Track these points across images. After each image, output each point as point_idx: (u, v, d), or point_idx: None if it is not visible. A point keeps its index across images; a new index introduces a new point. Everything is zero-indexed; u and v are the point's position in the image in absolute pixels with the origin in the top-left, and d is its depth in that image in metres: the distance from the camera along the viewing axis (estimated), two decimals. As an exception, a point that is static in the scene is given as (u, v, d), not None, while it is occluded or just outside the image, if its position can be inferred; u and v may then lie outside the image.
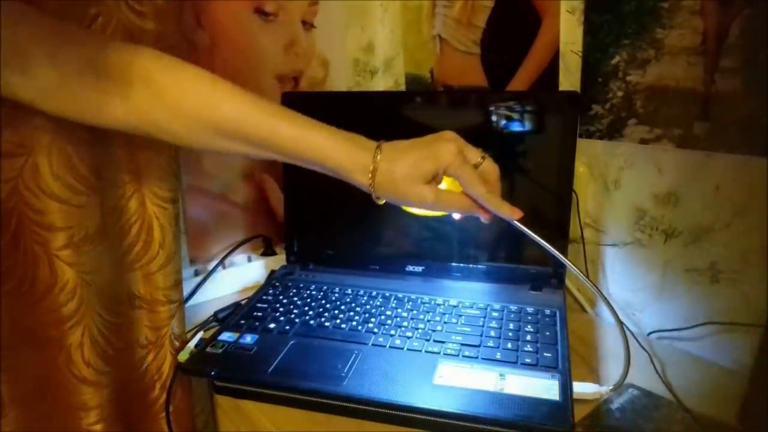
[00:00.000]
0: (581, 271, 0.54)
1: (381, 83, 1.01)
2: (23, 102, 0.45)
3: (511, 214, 0.52)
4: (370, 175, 0.50)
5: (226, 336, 0.63)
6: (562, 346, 0.59)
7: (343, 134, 0.51)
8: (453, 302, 0.68)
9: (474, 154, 0.52)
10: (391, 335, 0.62)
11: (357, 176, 0.51)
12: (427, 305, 0.68)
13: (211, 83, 0.50)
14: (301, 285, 0.74)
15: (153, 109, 0.48)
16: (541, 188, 0.70)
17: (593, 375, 0.61)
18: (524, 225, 0.53)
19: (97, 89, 0.46)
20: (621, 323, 0.54)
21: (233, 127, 0.50)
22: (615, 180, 0.70)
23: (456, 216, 0.57)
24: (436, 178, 0.51)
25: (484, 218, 0.53)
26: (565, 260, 0.56)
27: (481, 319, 0.65)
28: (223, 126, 0.50)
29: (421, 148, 0.51)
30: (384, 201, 0.53)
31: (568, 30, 0.71)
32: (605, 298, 0.54)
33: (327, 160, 0.51)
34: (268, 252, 0.90)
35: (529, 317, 0.65)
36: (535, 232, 0.54)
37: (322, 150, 0.50)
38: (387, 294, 0.71)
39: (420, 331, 0.63)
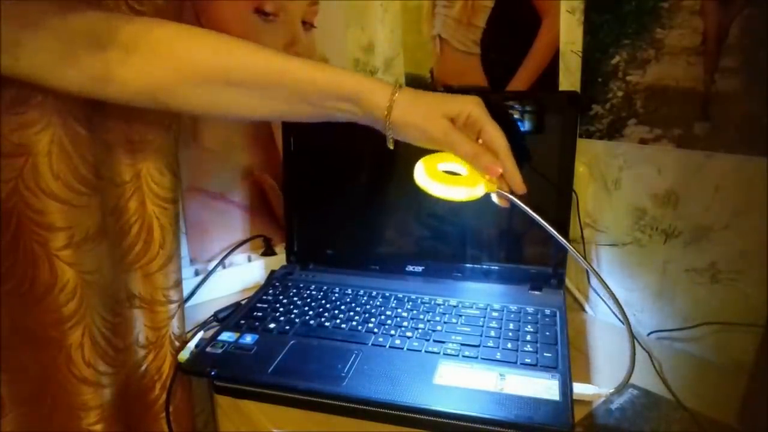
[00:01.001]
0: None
1: (381, 83, 1.01)
2: (27, 78, 0.45)
3: (522, 185, 0.53)
4: (390, 98, 0.50)
5: (226, 336, 0.63)
6: (562, 346, 0.59)
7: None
8: (453, 302, 0.68)
9: None
10: (391, 335, 0.62)
11: (375, 99, 0.50)
12: (427, 305, 0.68)
13: (216, 35, 0.50)
14: (301, 285, 0.74)
15: (161, 72, 0.48)
16: (541, 188, 0.70)
17: (593, 375, 0.61)
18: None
19: (103, 59, 0.46)
20: (626, 318, 0.54)
21: (244, 71, 0.50)
22: (615, 180, 0.70)
23: (499, 201, 0.56)
24: (455, 121, 0.51)
25: (491, 173, 0.52)
26: (567, 244, 0.55)
27: (481, 319, 0.65)
28: (234, 73, 0.50)
29: (446, 94, 0.52)
30: (393, 142, 0.52)
31: (568, 30, 0.71)
32: (607, 286, 0.54)
33: (343, 84, 0.50)
34: (268, 252, 0.90)
35: (529, 317, 0.65)
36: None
37: (338, 76, 0.50)
38: (387, 294, 0.71)
39: (420, 331, 0.63)
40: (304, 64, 0.51)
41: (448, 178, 0.55)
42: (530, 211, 0.54)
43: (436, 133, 0.51)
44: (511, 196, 0.54)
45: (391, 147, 0.52)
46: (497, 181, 0.54)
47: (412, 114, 0.50)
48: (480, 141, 0.53)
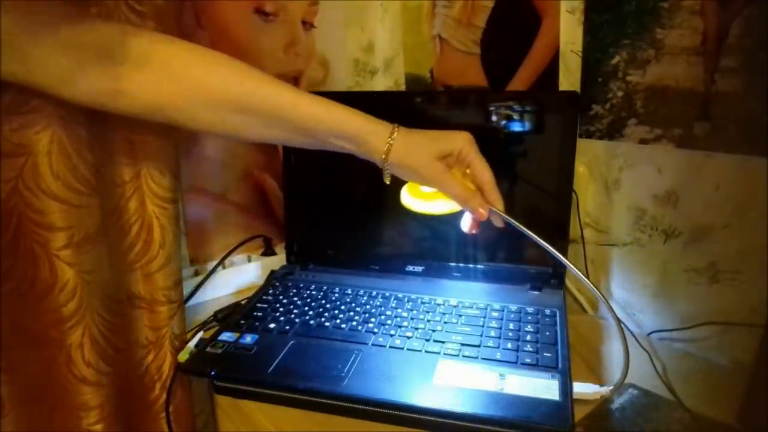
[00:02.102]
0: (581, 272, 0.54)
1: (381, 83, 1.01)
2: (38, 88, 0.46)
3: (499, 219, 0.56)
4: (388, 141, 0.53)
5: (226, 336, 0.63)
6: (562, 346, 0.59)
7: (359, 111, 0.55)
8: (453, 302, 0.68)
9: None
10: (391, 335, 0.62)
11: (374, 142, 0.53)
12: (427, 305, 0.68)
13: (229, 61, 0.52)
14: (301, 285, 0.74)
15: (171, 89, 0.49)
16: (541, 188, 0.70)
17: (593, 375, 0.61)
18: (523, 224, 0.54)
19: (114, 74, 0.47)
20: (618, 321, 0.54)
21: (252, 101, 0.51)
22: (615, 180, 0.70)
23: (464, 226, 0.60)
24: (447, 159, 0.54)
25: (478, 215, 0.56)
26: (564, 259, 0.56)
27: (481, 319, 0.65)
28: (243, 100, 0.51)
29: (437, 132, 0.55)
30: (390, 177, 0.55)
31: (568, 30, 0.71)
32: (602, 296, 0.54)
33: (345, 125, 0.53)
34: (268, 252, 0.90)
35: (529, 317, 0.65)
36: (535, 232, 0.54)
37: (341, 116, 0.53)
38: (387, 294, 0.71)
39: (420, 331, 0.63)
40: (311, 102, 0.53)
41: (428, 195, 0.60)
42: (516, 222, 0.56)
43: (429, 175, 0.54)
44: (497, 210, 0.56)
45: (388, 182, 0.55)
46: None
47: (407, 157, 0.53)
48: (468, 172, 0.57)
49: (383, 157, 0.53)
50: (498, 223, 0.57)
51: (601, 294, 0.54)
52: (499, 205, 0.56)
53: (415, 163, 0.54)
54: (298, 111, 0.52)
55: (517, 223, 0.56)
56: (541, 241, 0.55)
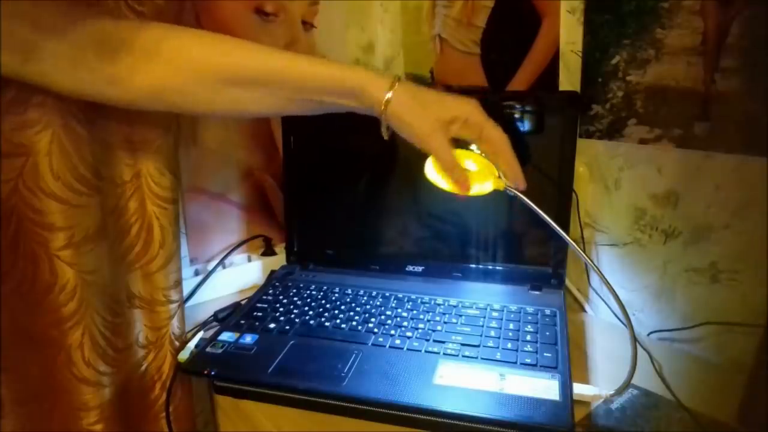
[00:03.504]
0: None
1: (381, 83, 1.01)
2: (40, 82, 0.46)
3: (523, 181, 0.54)
4: (388, 90, 0.51)
5: (226, 336, 0.63)
6: (562, 346, 0.59)
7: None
8: (453, 302, 0.68)
9: None
10: (391, 335, 0.62)
11: (374, 92, 0.51)
12: (427, 305, 0.68)
13: (214, 36, 0.52)
14: (301, 285, 0.74)
15: (169, 74, 0.49)
16: (542, 188, 0.70)
17: (593, 375, 0.61)
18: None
19: (112, 63, 0.47)
20: (629, 319, 0.54)
21: (245, 70, 0.51)
22: (615, 180, 0.70)
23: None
24: (452, 126, 0.52)
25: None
26: (574, 245, 0.56)
27: (481, 319, 0.65)
28: (234, 71, 0.51)
29: (446, 94, 0.53)
30: (388, 132, 0.53)
31: (568, 30, 0.71)
32: (611, 287, 0.54)
33: (345, 78, 0.51)
34: (268, 252, 0.90)
35: (529, 317, 0.65)
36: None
37: (339, 71, 0.51)
38: (387, 294, 0.71)
39: (420, 331, 0.63)
40: (305, 61, 0.52)
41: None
42: (539, 210, 0.55)
43: (424, 132, 0.52)
44: (520, 195, 0.55)
45: (385, 137, 0.53)
46: (505, 178, 0.56)
47: (406, 111, 0.51)
48: (481, 138, 0.54)
49: (382, 107, 0.51)
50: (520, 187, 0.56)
51: (615, 292, 0.54)
52: (517, 171, 0.54)
53: (414, 120, 0.51)
54: (291, 72, 0.51)
55: (530, 203, 0.55)
56: (560, 230, 0.54)
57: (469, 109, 0.53)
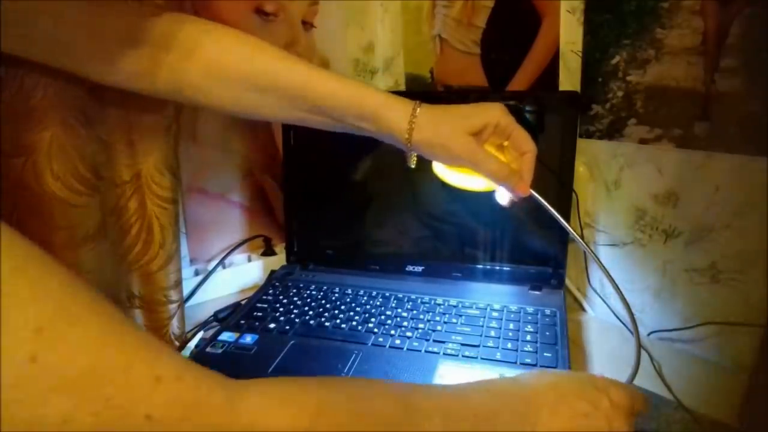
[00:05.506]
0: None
1: (381, 83, 1.01)
2: (67, 71, 0.47)
3: (527, 188, 0.53)
4: (411, 118, 0.49)
5: (226, 336, 0.63)
6: (561, 346, 0.59)
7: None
8: (453, 302, 0.68)
9: None
10: (391, 335, 0.62)
11: (395, 120, 0.49)
12: (427, 305, 0.68)
13: (246, 38, 0.52)
14: (301, 285, 0.74)
15: (190, 69, 0.50)
16: (542, 188, 0.70)
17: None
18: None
19: (137, 56, 0.48)
20: (633, 318, 0.54)
21: (267, 78, 0.51)
22: (615, 180, 0.70)
23: (501, 200, 0.56)
24: (481, 134, 0.51)
25: (517, 193, 0.53)
26: (585, 245, 0.56)
27: (481, 319, 0.65)
28: (255, 78, 0.51)
29: (467, 106, 0.52)
30: (415, 160, 0.52)
31: (569, 30, 0.71)
32: (616, 286, 0.54)
33: (363, 103, 0.50)
34: (268, 252, 0.90)
35: (529, 317, 0.65)
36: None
37: (358, 93, 0.50)
38: (387, 294, 0.71)
39: (420, 331, 0.63)
40: (326, 79, 0.51)
41: (465, 169, 0.55)
42: (550, 208, 0.55)
43: (461, 153, 0.50)
44: (534, 193, 0.54)
45: (413, 166, 0.52)
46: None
47: (436, 135, 0.49)
48: (506, 144, 0.53)
49: (406, 136, 0.49)
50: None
51: (621, 292, 0.54)
52: (528, 178, 0.53)
53: (446, 141, 0.49)
54: (312, 89, 0.50)
55: (548, 205, 0.54)
56: (573, 231, 0.54)
57: (498, 114, 0.51)
